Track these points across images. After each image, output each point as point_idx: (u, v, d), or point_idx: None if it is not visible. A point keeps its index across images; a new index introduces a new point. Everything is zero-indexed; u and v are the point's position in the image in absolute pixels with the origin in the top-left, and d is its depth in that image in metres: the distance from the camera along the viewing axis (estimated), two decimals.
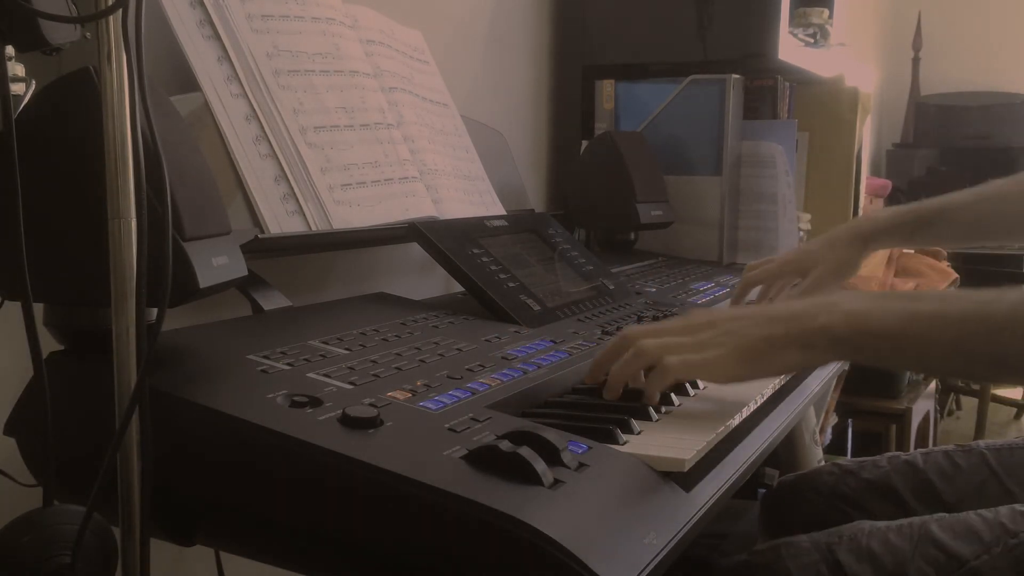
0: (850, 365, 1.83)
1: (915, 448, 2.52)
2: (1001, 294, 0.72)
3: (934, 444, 2.80)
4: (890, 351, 0.77)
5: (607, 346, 0.85)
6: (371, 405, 0.67)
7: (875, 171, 4.08)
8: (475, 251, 1.09)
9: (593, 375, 0.85)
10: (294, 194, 1.00)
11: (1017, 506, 0.90)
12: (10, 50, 0.68)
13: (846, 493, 1.13)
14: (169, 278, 0.63)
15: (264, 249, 0.95)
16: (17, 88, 0.71)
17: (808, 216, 1.90)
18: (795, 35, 1.86)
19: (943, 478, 1.11)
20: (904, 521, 0.92)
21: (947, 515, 0.91)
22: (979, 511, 0.90)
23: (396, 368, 0.78)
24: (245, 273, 0.77)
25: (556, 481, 0.59)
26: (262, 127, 0.99)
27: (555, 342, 0.95)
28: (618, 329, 1.04)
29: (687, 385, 0.85)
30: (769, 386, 0.89)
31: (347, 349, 0.81)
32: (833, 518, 1.02)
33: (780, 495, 1.20)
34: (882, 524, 0.92)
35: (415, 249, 1.10)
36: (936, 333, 0.74)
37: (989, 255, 3.17)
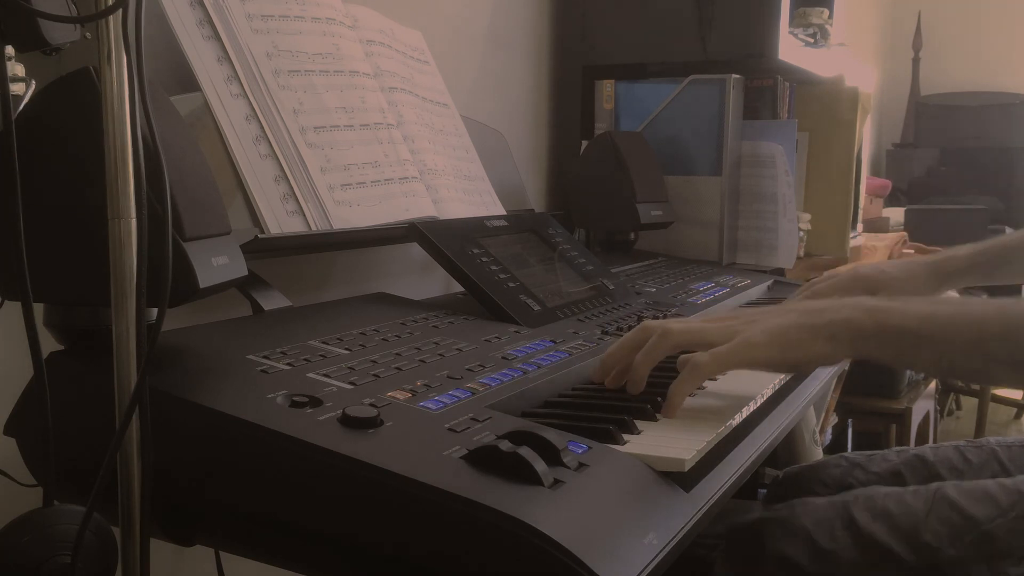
0: (850, 364, 1.83)
1: None
2: (1020, 299, 0.74)
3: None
4: (910, 348, 0.78)
5: (624, 337, 0.83)
6: (371, 405, 0.67)
7: (875, 171, 4.08)
8: (475, 251, 1.09)
9: (604, 369, 0.83)
10: (294, 194, 1.00)
11: None
12: (10, 50, 0.68)
13: (853, 486, 1.13)
14: (169, 278, 0.63)
15: (264, 249, 0.95)
16: (17, 88, 0.71)
17: (808, 216, 1.90)
18: (795, 35, 1.86)
19: (953, 472, 1.11)
20: (921, 486, 0.92)
21: (964, 481, 0.91)
22: (998, 478, 0.90)
23: (396, 368, 0.78)
24: (245, 273, 0.77)
25: (556, 481, 0.59)
26: (262, 127, 0.99)
27: (555, 342, 0.95)
28: (618, 329, 1.04)
29: None
30: (769, 386, 0.89)
31: (347, 349, 0.81)
32: None
33: (785, 487, 1.19)
34: (898, 488, 0.92)
35: (415, 249, 1.10)
36: (955, 333, 0.76)
37: None
